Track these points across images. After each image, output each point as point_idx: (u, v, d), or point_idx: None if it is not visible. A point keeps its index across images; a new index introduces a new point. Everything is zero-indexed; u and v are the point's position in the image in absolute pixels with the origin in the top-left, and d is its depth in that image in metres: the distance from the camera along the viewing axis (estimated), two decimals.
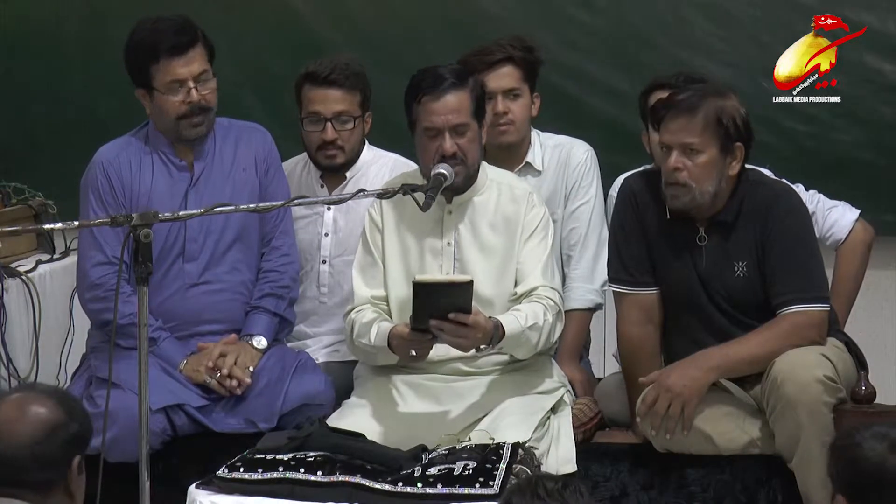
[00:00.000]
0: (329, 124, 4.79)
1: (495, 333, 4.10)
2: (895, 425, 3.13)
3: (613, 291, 4.53)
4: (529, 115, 4.84)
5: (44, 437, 2.88)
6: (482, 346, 4.12)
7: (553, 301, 4.28)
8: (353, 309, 4.37)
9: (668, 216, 4.34)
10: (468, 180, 4.32)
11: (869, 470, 3.04)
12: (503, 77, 4.76)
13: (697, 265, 4.33)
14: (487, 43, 4.83)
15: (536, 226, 4.35)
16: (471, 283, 4.00)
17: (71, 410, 2.94)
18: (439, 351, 4.30)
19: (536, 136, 4.91)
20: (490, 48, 4.79)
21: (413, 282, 4.01)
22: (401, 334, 4.13)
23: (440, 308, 3.98)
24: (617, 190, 4.89)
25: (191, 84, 4.46)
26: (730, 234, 4.31)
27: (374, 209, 4.42)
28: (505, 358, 4.34)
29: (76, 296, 4.83)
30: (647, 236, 4.39)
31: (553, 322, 4.26)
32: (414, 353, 4.14)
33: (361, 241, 4.45)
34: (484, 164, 4.42)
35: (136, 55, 4.50)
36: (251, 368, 4.46)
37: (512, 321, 4.15)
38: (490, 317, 4.11)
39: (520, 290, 4.29)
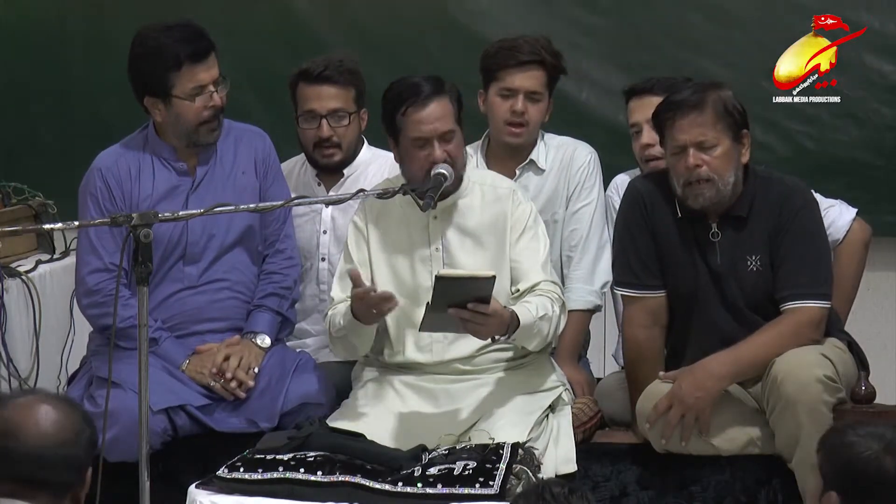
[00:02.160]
0: (324, 121, 4.79)
1: (511, 323, 4.09)
2: (888, 427, 3.14)
3: (621, 295, 4.53)
4: (543, 119, 4.85)
5: (72, 439, 2.85)
6: (497, 336, 4.11)
7: (557, 294, 4.29)
8: (329, 308, 4.37)
9: (680, 215, 4.34)
10: (456, 183, 4.31)
11: (866, 469, 3.04)
12: (530, 78, 4.76)
13: (711, 262, 4.33)
14: (516, 39, 4.80)
15: (526, 223, 4.35)
16: (493, 278, 3.97)
17: (84, 416, 2.93)
18: (438, 352, 4.31)
19: (540, 135, 4.91)
20: (521, 46, 4.77)
21: (436, 276, 3.99)
22: (357, 295, 4.10)
23: (458, 298, 3.96)
24: (613, 190, 4.91)
25: (212, 88, 4.47)
26: (743, 228, 4.32)
27: (359, 218, 4.41)
28: (504, 355, 4.34)
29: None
30: (656, 238, 4.39)
31: (559, 314, 4.26)
32: (375, 311, 4.11)
33: (343, 250, 4.45)
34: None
35: (153, 64, 4.46)
36: (255, 370, 4.46)
37: (525, 312, 4.15)
38: (506, 307, 4.11)
39: (522, 286, 4.29)
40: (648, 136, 4.69)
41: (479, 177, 4.43)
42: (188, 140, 4.52)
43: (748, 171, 4.34)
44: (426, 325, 4.07)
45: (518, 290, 4.29)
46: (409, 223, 4.29)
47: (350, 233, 4.42)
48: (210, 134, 4.52)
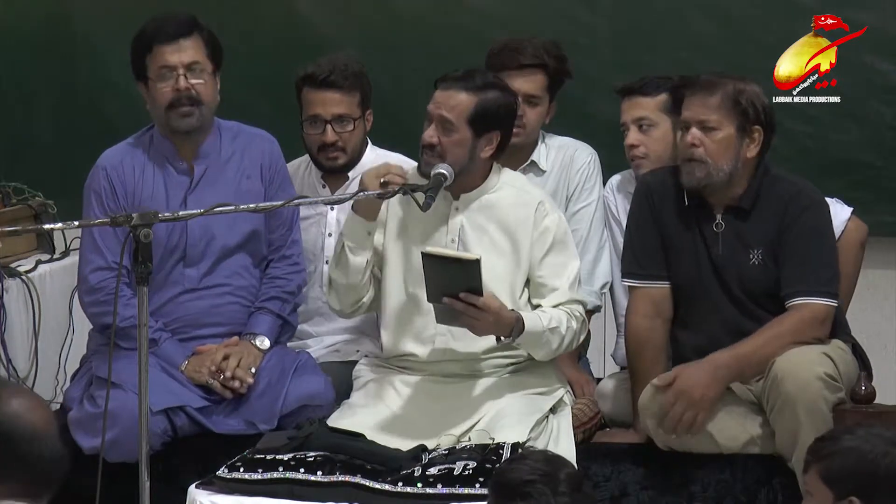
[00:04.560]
0: (329, 126, 4.78)
1: (515, 326, 4.09)
2: (878, 427, 3.15)
3: (626, 286, 4.55)
4: (542, 122, 4.85)
5: (56, 433, 2.84)
6: (502, 338, 4.11)
7: (579, 312, 4.29)
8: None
9: (686, 203, 4.36)
10: (481, 177, 4.31)
11: (877, 469, 3.05)
12: (529, 82, 4.76)
13: (712, 252, 4.35)
14: (522, 41, 4.81)
15: (554, 236, 4.32)
16: (477, 261, 3.98)
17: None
18: (439, 348, 4.31)
19: (541, 135, 4.91)
20: (526, 48, 4.76)
21: (422, 252, 4.01)
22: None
23: (449, 284, 3.99)
24: (609, 190, 4.92)
25: (180, 71, 4.47)
26: (746, 221, 4.34)
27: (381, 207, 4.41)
28: (504, 361, 4.34)
29: (76, 296, 4.83)
30: (661, 228, 4.41)
31: (576, 330, 4.27)
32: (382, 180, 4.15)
33: None
34: (498, 166, 4.40)
35: (136, 47, 4.54)
36: (253, 369, 4.46)
37: (534, 319, 4.15)
38: (512, 309, 4.11)
39: (545, 304, 4.28)
40: (634, 136, 4.73)
41: (510, 178, 4.41)
42: (166, 126, 4.53)
43: (759, 167, 4.35)
44: (438, 317, 4.11)
45: (540, 307, 4.28)
46: (432, 210, 4.27)
47: None
48: (181, 120, 4.50)
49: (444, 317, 4.11)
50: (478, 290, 3.99)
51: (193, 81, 4.47)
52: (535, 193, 4.42)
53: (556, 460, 3.08)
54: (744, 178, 4.33)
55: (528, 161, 4.87)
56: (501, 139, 4.32)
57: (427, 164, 4.23)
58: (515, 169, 4.77)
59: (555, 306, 4.27)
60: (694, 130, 4.30)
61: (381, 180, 4.17)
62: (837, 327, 4.38)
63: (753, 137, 4.31)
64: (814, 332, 4.26)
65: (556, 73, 4.82)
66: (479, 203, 4.34)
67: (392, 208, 4.37)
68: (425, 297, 4.12)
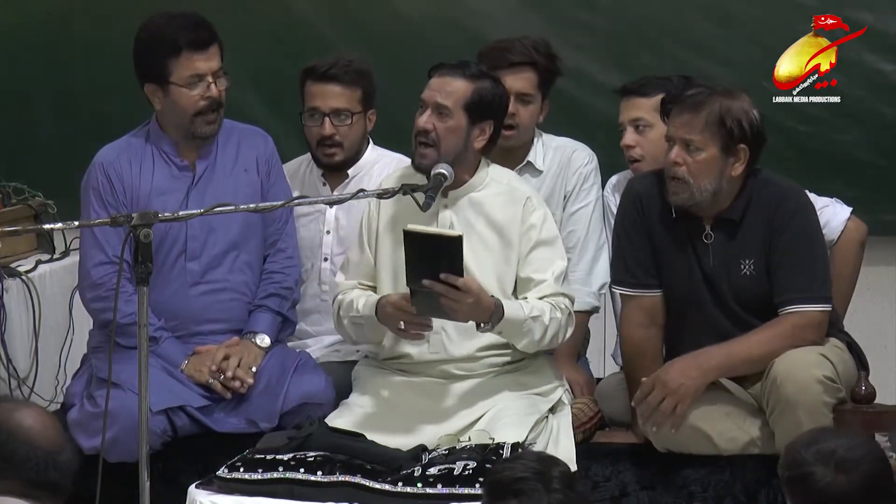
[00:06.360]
0: (327, 119, 4.78)
1: (495, 312, 4.09)
2: (839, 437, 3.16)
3: (618, 293, 4.53)
4: (536, 121, 4.84)
5: (68, 445, 2.88)
6: (482, 325, 4.10)
7: (564, 304, 4.27)
8: (340, 292, 4.37)
9: (674, 215, 4.35)
10: (468, 172, 4.30)
11: (822, 494, 3.06)
12: (520, 80, 4.74)
13: (703, 264, 4.33)
14: (511, 40, 4.80)
15: (540, 233, 4.31)
16: (459, 238, 3.96)
17: (63, 428, 2.97)
18: (435, 348, 4.31)
19: (539, 136, 4.91)
20: (515, 46, 4.76)
21: (403, 230, 4.00)
22: (391, 302, 4.12)
23: (430, 264, 3.96)
24: (609, 190, 4.92)
25: (210, 79, 4.47)
26: (736, 231, 4.32)
27: (373, 203, 4.40)
28: (501, 360, 4.34)
29: (76, 296, 4.83)
30: (651, 237, 4.39)
31: (560, 321, 4.24)
32: (402, 326, 4.12)
33: (357, 236, 4.45)
34: (486, 161, 4.40)
35: (153, 48, 4.48)
36: (254, 369, 4.47)
37: (515, 307, 4.15)
38: (492, 295, 4.10)
39: (530, 295, 4.28)
40: (630, 137, 4.73)
41: (497, 174, 4.40)
42: (185, 131, 4.52)
43: (748, 176, 4.33)
44: (417, 306, 4.08)
45: (526, 298, 4.28)
46: (419, 209, 4.26)
47: (364, 218, 4.42)
48: (206, 126, 4.51)
49: (424, 305, 4.07)
50: (458, 270, 3.98)
51: (220, 88, 4.50)
52: (523, 190, 4.41)
53: (550, 459, 3.07)
54: (731, 193, 4.30)
55: (525, 162, 4.86)
56: (493, 131, 4.32)
57: (421, 156, 4.24)
58: (512, 169, 4.77)
59: (540, 299, 4.26)
60: (677, 149, 4.26)
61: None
62: (831, 325, 4.37)
63: (739, 156, 4.26)
64: (809, 337, 4.25)
65: (546, 71, 4.80)
66: (467, 200, 4.34)
67: (384, 209, 4.37)
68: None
